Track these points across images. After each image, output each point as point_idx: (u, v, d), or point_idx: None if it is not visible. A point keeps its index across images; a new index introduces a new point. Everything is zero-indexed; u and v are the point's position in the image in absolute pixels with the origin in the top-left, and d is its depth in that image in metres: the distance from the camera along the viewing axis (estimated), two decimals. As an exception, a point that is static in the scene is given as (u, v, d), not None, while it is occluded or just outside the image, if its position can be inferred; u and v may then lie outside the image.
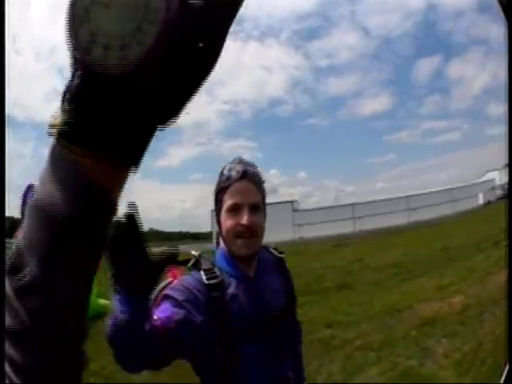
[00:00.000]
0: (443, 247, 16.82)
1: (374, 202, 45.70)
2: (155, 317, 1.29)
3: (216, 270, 1.50)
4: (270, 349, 1.51)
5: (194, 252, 1.54)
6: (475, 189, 49.23)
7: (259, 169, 1.64)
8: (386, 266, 12.99)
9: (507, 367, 1.27)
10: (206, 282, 1.44)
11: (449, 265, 13.20)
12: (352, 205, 45.73)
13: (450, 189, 51.86)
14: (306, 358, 1.81)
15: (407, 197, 45.19)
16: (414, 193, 48.10)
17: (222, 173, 1.59)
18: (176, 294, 1.40)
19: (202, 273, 1.48)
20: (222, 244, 1.63)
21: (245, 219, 1.49)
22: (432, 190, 49.32)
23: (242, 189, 1.53)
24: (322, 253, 19.98)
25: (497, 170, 57.02)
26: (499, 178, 54.33)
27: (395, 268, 12.28)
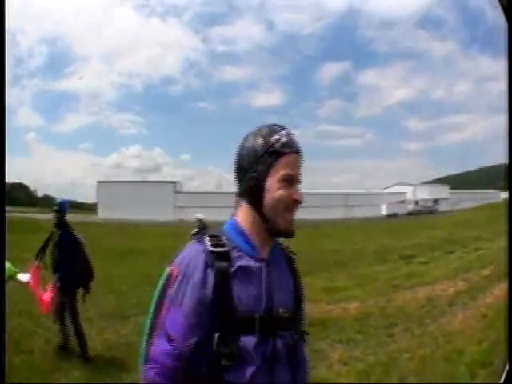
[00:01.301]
0: (334, 250, 17.38)
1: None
2: (170, 333, 1.32)
3: (224, 238, 1.42)
4: (269, 358, 1.38)
5: (198, 215, 1.27)
6: (377, 198, 53.52)
7: None
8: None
9: (507, 367, 1.47)
10: (211, 248, 1.37)
11: (341, 268, 13.55)
12: (234, 193, 47.71)
13: (346, 193, 56.26)
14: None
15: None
16: (302, 191, 51.63)
17: (278, 135, 1.46)
18: (185, 303, 1.35)
19: (206, 239, 1.41)
20: (240, 216, 1.53)
21: (299, 194, 1.45)
22: (324, 191, 53.02)
23: (297, 162, 1.48)
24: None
25: (410, 184, 63.08)
26: (412, 193, 60.23)
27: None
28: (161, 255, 14.98)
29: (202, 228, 1.50)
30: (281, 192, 1.43)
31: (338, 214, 45.08)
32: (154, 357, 1.31)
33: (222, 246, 1.38)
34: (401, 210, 50.20)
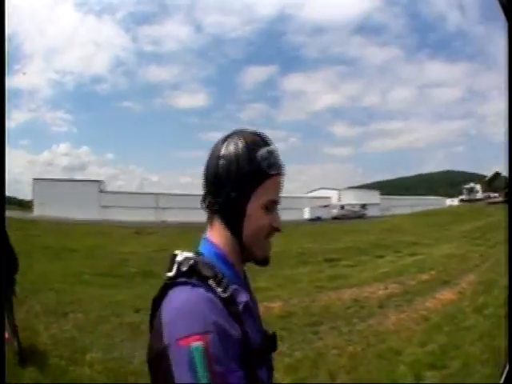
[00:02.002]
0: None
1: (179, 195, 54.31)
2: None
3: (221, 276, 1.25)
4: (267, 376, 1.34)
5: (186, 254, 1.29)
6: (299, 202, 54.77)
7: None
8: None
9: (507, 367, 1.46)
10: (223, 295, 1.21)
11: (262, 270, 13.32)
12: (156, 194, 54.49)
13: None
14: (118, 340, 3.01)
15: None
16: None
17: (263, 151, 1.31)
18: (234, 360, 1.16)
19: (212, 283, 1.22)
20: (216, 238, 1.36)
21: (279, 222, 1.35)
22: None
23: (280, 185, 1.36)
24: (124, 238, 22.70)
25: (335, 189, 64.88)
26: (337, 198, 61.91)
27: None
28: (88, 255, 16.12)
29: (192, 267, 1.28)
30: (265, 220, 1.32)
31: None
32: None
33: (227, 287, 1.23)
34: (325, 214, 51.44)
